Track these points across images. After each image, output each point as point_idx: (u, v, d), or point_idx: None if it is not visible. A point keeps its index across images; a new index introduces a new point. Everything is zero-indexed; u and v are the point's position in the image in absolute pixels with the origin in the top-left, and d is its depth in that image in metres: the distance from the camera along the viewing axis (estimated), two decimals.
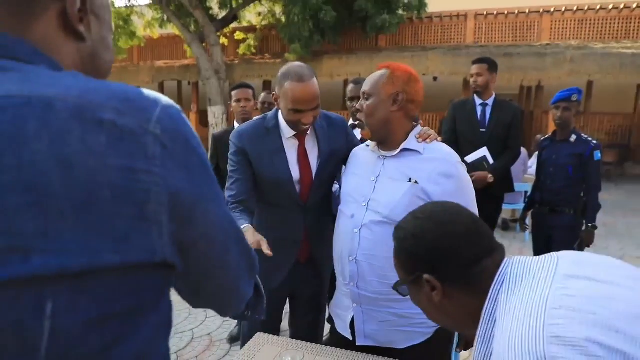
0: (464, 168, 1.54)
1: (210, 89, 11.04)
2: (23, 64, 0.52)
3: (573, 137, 2.97)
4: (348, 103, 2.76)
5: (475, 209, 1.48)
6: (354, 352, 1.51)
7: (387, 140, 1.55)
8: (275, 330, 1.98)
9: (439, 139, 1.59)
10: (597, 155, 2.91)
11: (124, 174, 0.49)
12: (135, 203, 0.50)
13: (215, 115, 11.06)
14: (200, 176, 0.56)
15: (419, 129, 1.57)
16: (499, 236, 5.10)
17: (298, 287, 1.96)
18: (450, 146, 3.10)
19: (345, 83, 13.95)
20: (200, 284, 0.65)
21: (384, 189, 1.51)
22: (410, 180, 1.47)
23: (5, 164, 0.45)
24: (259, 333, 1.66)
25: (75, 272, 0.47)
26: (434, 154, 1.50)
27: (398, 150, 1.53)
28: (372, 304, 1.53)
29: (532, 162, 5.18)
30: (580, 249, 2.95)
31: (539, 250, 3.14)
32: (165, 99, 0.55)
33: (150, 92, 0.54)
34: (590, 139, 2.98)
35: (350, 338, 1.62)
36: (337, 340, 1.67)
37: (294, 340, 1.63)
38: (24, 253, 0.45)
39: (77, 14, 0.57)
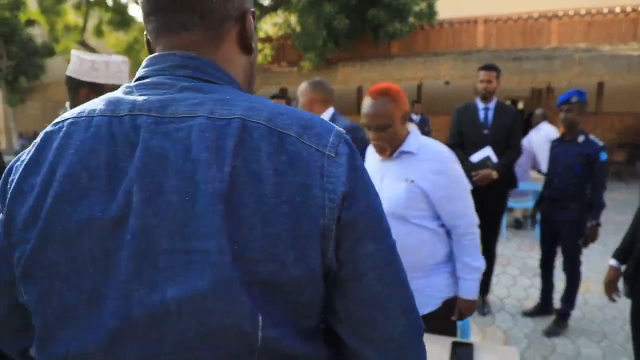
0: (454, 164, 1.72)
1: None
2: (212, 85, 0.59)
3: (581, 138, 3.12)
4: None
5: (467, 201, 1.72)
6: None
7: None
8: None
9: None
10: (603, 156, 3.04)
11: (301, 190, 0.52)
12: (311, 218, 0.52)
13: None
14: (366, 197, 0.57)
15: (414, 131, 1.77)
16: (511, 234, 5.42)
17: None
18: (456, 148, 3.42)
19: (359, 90, 14.35)
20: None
21: (388, 188, 1.72)
22: (406, 180, 1.68)
23: (210, 175, 0.50)
24: None
25: (261, 281, 0.51)
26: (426, 155, 1.69)
27: (396, 154, 1.74)
28: None
29: (542, 158, 5.40)
30: (585, 245, 3.11)
31: (545, 243, 3.35)
32: (337, 127, 0.59)
33: (325, 121, 0.60)
34: (596, 140, 3.11)
35: None
36: None
37: None
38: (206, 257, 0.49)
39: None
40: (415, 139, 1.74)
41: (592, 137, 3.16)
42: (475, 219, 1.74)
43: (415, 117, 8.43)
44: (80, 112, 0.60)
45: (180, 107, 0.56)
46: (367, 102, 1.70)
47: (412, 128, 1.79)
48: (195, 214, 0.50)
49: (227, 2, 0.62)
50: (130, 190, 0.52)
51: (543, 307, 3.39)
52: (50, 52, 16.17)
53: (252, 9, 0.67)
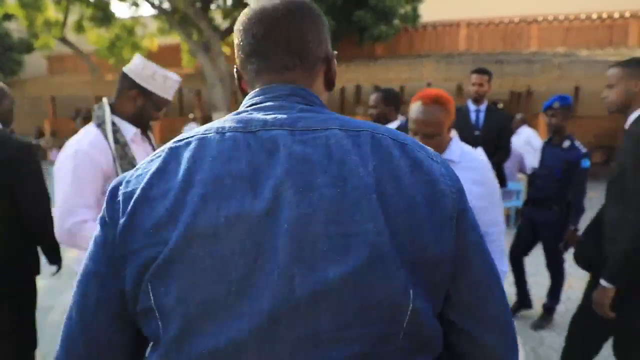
0: (492, 173, 1.74)
1: (216, 97, 11.44)
2: (321, 108, 0.72)
3: (566, 143, 3.18)
4: (371, 111, 3.25)
5: (500, 209, 1.74)
6: None
7: None
8: None
9: None
10: (585, 163, 3.08)
11: (430, 186, 0.63)
12: (441, 208, 0.63)
13: None
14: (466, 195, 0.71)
15: (455, 138, 1.78)
16: None
17: None
18: None
19: (343, 90, 14.43)
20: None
21: None
22: None
23: (358, 171, 0.60)
24: None
25: (408, 260, 0.59)
26: (468, 163, 1.68)
27: None
28: None
29: (530, 162, 5.58)
30: (566, 249, 3.18)
31: (520, 238, 3.43)
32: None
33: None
34: (580, 147, 3.16)
35: None
36: None
37: None
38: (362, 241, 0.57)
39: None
40: (457, 146, 1.73)
41: (577, 143, 3.20)
42: (504, 227, 1.78)
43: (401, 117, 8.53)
44: (207, 130, 0.67)
45: (310, 122, 0.66)
46: (417, 108, 1.65)
47: (454, 134, 1.79)
48: (348, 203, 0.58)
49: (318, 47, 0.75)
50: (278, 188, 0.59)
51: (522, 303, 3.48)
52: (28, 48, 15.79)
53: (335, 52, 0.81)
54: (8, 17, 14.91)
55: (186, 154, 0.64)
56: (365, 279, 0.56)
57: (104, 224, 0.65)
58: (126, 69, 1.71)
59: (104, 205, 0.66)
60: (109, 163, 1.64)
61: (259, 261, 0.57)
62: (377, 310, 0.58)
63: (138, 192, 0.62)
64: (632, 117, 1.86)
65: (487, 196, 1.67)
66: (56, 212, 1.62)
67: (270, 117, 0.66)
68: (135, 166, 0.91)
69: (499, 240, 1.73)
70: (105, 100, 1.75)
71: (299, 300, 0.56)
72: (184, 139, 0.67)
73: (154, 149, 1.88)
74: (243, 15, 0.75)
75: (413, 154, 0.66)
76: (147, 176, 0.63)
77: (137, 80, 1.68)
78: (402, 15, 11.23)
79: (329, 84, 0.80)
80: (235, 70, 0.79)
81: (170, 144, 0.68)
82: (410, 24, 11.46)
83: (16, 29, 16.26)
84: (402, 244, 0.59)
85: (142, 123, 1.77)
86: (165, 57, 15.48)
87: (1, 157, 1.80)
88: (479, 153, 1.80)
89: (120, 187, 0.65)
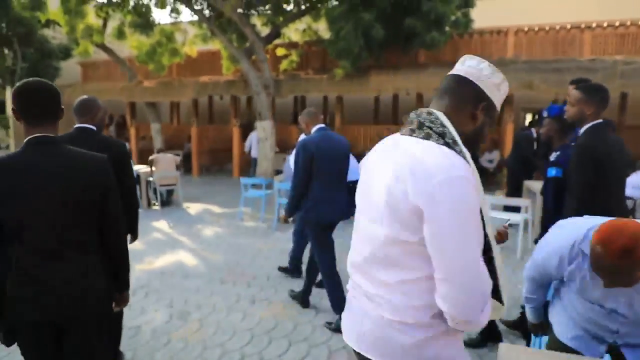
0: None
1: (261, 104, 11.22)
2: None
3: (553, 155, 3.18)
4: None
5: None
6: None
7: None
8: None
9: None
10: (550, 172, 3.14)
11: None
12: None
13: (265, 130, 11.21)
14: None
15: None
16: None
17: None
18: None
19: (396, 97, 14.17)
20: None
21: None
22: None
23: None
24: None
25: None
26: None
27: None
28: None
29: None
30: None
31: None
32: None
33: None
34: (554, 156, 3.18)
35: None
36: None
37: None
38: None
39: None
40: None
41: (560, 154, 3.16)
42: None
43: None
44: None
45: None
46: (606, 262, 1.56)
47: None
48: None
49: None
50: None
51: None
52: (66, 55, 15.78)
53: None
54: (47, 23, 14.90)
55: None
56: None
57: None
58: (469, 74, 1.34)
59: None
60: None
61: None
62: None
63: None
64: (581, 131, 2.72)
65: None
66: (461, 267, 1.18)
67: None
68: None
69: None
70: (440, 113, 1.33)
71: None
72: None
73: None
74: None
75: None
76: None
77: (486, 91, 1.33)
78: (453, 21, 10.91)
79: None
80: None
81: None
82: (461, 30, 11.13)
83: (52, 35, 16.28)
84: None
85: (474, 146, 1.37)
86: (203, 63, 15.37)
87: (115, 154, 2.37)
88: None
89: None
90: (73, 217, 1.79)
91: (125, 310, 4.18)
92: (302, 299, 4.24)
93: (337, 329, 3.66)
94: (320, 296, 4.42)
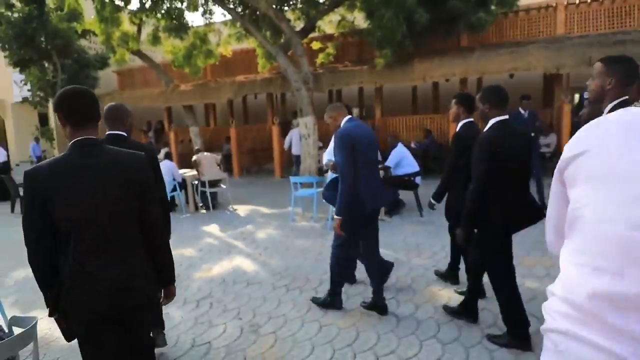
0: None
1: (301, 100, 10.92)
2: None
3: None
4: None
5: None
6: None
7: None
8: None
9: None
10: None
11: None
12: None
13: (307, 126, 10.91)
14: None
15: None
16: None
17: None
18: None
19: (436, 85, 13.64)
20: None
21: None
22: None
23: None
24: None
25: None
26: None
27: None
28: None
29: None
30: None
31: None
32: None
33: None
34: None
35: None
36: None
37: None
38: None
39: None
40: None
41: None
42: None
43: (523, 112, 7.70)
44: None
45: None
46: None
47: None
48: None
49: None
50: None
51: None
52: (103, 64, 15.94)
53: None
54: (83, 34, 15.07)
55: None
56: None
57: None
58: None
59: None
60: None
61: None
62: None
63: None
64: (606, 110, 2.08)
65: None
66: None
67: None
68: None
69: None
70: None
71: None
72: None
73: None
74: None
75: None
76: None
77: None
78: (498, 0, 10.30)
79: None
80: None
81: None
82: (508, 8, 10.48)
83: (88, 45, 16.49)
84: None
85: None
86: (237, 63, 15.23)
87: (148, 156, 2.23)
88: None
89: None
90: (121, 212, 1.91)
91: (193, 324, 3.95)
92: (378, 306, 3.90)
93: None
94: (396, 301, 4.07)
